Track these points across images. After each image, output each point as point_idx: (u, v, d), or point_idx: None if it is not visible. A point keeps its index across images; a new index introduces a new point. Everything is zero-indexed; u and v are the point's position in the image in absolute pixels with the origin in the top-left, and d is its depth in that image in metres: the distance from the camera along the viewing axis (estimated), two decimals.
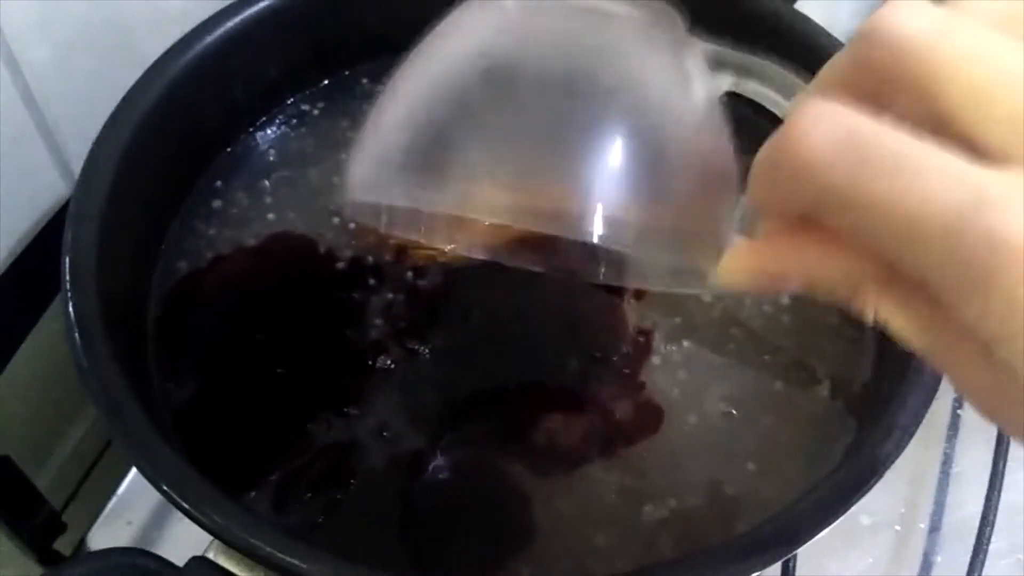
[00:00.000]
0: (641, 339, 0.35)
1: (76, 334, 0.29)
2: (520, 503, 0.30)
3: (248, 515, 0.25)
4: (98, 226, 0.32)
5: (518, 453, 0.32)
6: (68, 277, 0.30)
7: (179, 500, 0.25)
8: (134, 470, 0.43)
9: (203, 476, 0.26)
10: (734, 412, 0.33)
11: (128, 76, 0.36)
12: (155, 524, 0.42)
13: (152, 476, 0.26)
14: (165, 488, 0.26)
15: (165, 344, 0.34)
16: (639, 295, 0.36)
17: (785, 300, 0.36)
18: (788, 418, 0.33)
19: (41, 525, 0.40)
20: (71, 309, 0.29)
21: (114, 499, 0.42)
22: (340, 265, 0.37)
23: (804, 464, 0.32)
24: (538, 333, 0.35)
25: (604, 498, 0.31)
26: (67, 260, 0.30)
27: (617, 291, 0.36)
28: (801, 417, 0.33)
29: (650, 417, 0.32)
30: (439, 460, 0.31)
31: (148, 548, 0.28)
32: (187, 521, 0.37)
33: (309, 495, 0.31)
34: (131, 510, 0.42)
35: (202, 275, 0.37)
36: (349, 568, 0.24)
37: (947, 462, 0.46)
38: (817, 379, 0.34)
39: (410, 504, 0.30)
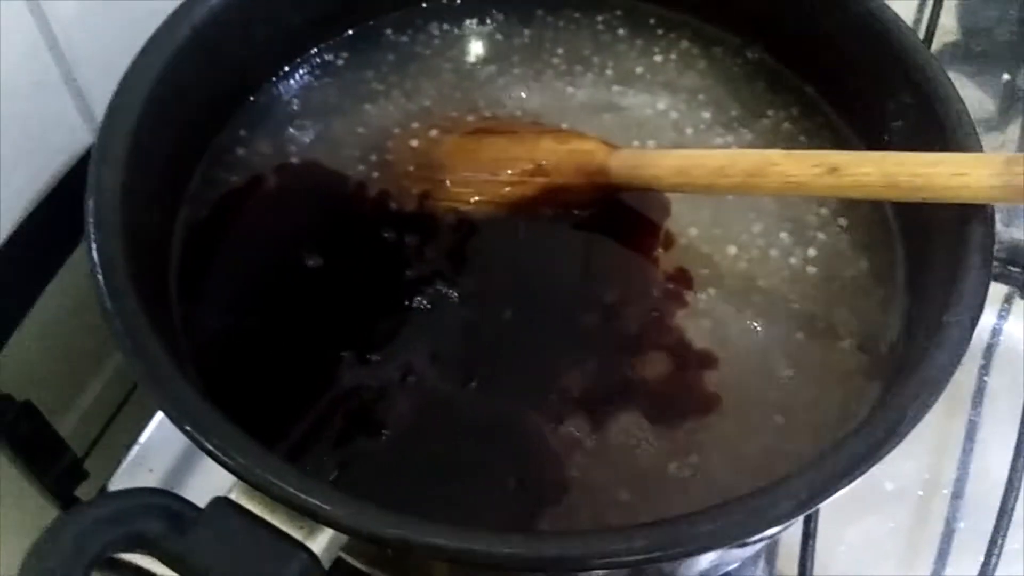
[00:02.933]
0: (671, 287, 0.34)
1: (100, 276, 0.28)
2: (550, 456, 0.30)
3: (271, 456, 0.25)
4: (122, 169, 0.31)
5: (546, 402, 0.31)
6: (92, 219, 0.30)
7: (202, 440, 0.25)
8: (156, 418, 0.43)
9: (227, 418, 0.26)
10: (760, 366, 0.33)
11: (151, 23, 0.35)
12: (177, 472, 0.42)
13: (176, 417, 0.26)
14: (188, 429, 0.26)
15: (189, 285, 0.34)
16: (667, 244, 0.36)
17: (812, 252, 0.36)
18: (814, 374, 0.33)
19: (63, 471, 0.40)
20: (95, 250, 0.29)
21: (136, 447, 0.42)
22: (367, 208, 0.37)
23: (831, 420, 0.31)
24: (565, 282, 0.35)
25: (630, 454, 0.30)
26: (91, 202, 0.30)
27: (646, 240, 0.36)
28: (827, 373, 0.33)
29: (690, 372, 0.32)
30: (467, 408, 0.31)
31: None
32: (209, 469, 0.37)
33: (334, 440, 0.30)
34: (153, 458, 0.42)
35: (227, 210, 0.37)
36: (373, 509, 0.24)
37: (972, 429, 0.46)
38: (842, 336, 0.34)
39: (437, 452, 0.30)
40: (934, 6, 0.60)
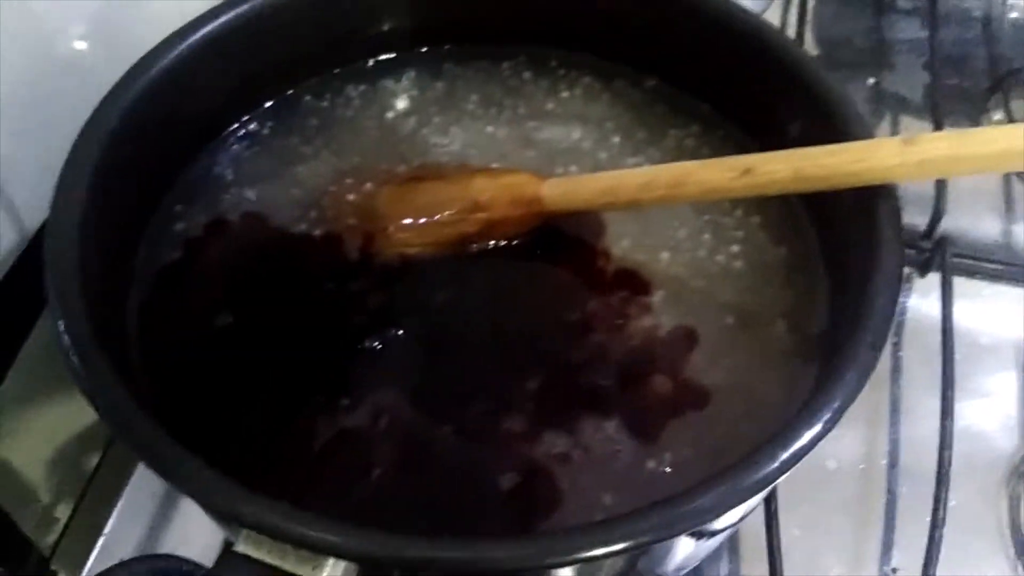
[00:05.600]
0: (624, 294, 0.37)
1: (74, 356, 0.29)
2: (537, 471, 0.31)
3: (275, 502, 0.26)
4: (74, 257, 0.32)
5: (523, 421, 0.33)
6: (56, 302, 0.30)
7: (213, 502, 0.26)
8: (119, 508, 0.43)
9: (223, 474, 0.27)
10: (710, 359, 0.35)
11: (67, 124, 0.36)
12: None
13: (180, 484, 0.26)
14: (196, 493, 0.26)
15: (151, 358, 0.35)
16: (607, 258, 0.38)
17: (735, 248, 0.39)
18: (757, 361, 0.35)
19: (31, 573, 0.40)
20: (65, 332, 0.29)
21: (102, 538, 0.42)
22: (313, 262, 0.38)
23: (780, 402, 0.34)
24: (521, 308, 0.37)
25: (608, 458, 0.32)
26: (53, 282, 0.31)
27: (588, 258, 0.38)
28: (768, 359, 0.35)
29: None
30: (447, 438, 0.32)
31: None
32: (175, 547, 0.38)
33: (323, 482, 0.31)
34: (119, 546, 0.42)
35: (174, 282, 0.38)
36: (388, 536, 0.25)
37: (896, 401, 0.49)
38: (775, 323, 0.36)
39: (424, 483, 0.31)
40: (799, 23, 0.65)
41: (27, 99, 0.39)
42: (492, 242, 0.38)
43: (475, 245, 0.38)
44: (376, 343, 0.35)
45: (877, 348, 0.30)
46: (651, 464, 0.32)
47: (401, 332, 0.35)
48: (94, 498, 0.44)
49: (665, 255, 0.38)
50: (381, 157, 0.42)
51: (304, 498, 0.31)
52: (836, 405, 0.28)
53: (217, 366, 0.35)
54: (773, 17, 0.67)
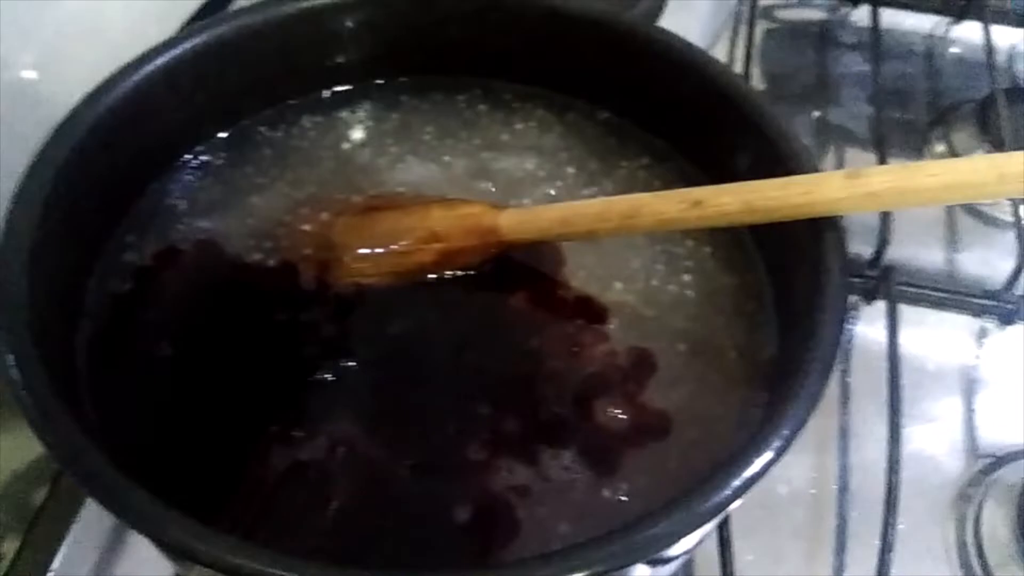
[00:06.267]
0: (580, 322, 0.37)
1: (23, 391, 0.29)
2: (493, 501, 0.32)
3: (231, 538, 0.26)
4: (18, 300, 0.31)
5: (480, 452, 0.33)
6: (5, 338, 0.30)
7: (165, 538, 0.26)
8: (67, 543, 0.42)
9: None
10: (664, 386, 0.36)
11: (16, 152, 0.36)
12: None
13: (131, 520, 0.26)
14: (149, 530, 0.26)
15: (101, 392, 0.34)
16: (564, 288, 0.39)
17: (687, 278, 0.39)
18: (709, 388, 0.36)
19: None
20: (14, 366, 0.29)
21: (51, 574, 0.41)
22: (267, 292, 0.38)
23: (731, 429, 0.34)
24: (478, 338, 0.37)
25: (566, 487, 0.32)
26: (1, 316, 0.30)
27: (545, 287, 0.39)
28: (719, 386, 0.36)
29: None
30: (404, 469, 0.32)
31: None
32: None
33: (277, 520, 0.31)
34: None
35: (125, 313, 0.37)
36: (341, 571, 0.25)
37: (845, 427, 0.50)
38: (726, 351, 0.37)
39: (382, 515, 0.31)
40: (746, 57, 0.67)
41: None
42: (449, 272, 0.39)
43: (432, 275, 0.39)
44: (331, 374, 0.35)
45: (824, 376, 0.31)
46: (607, 493, 0.32)
47: (356, 363, 0.35)
48: (42, 534, 0.43)
49: (619, 284, 0.39)
50: (337, 187, 0.42)
51: (258, 532, 0.31)
52: (786, 433, 0.29)
53: (168, 398, 0.35)
54: (721, 51, 0.68)
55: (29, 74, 0.42)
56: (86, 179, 0.36)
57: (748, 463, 0.28)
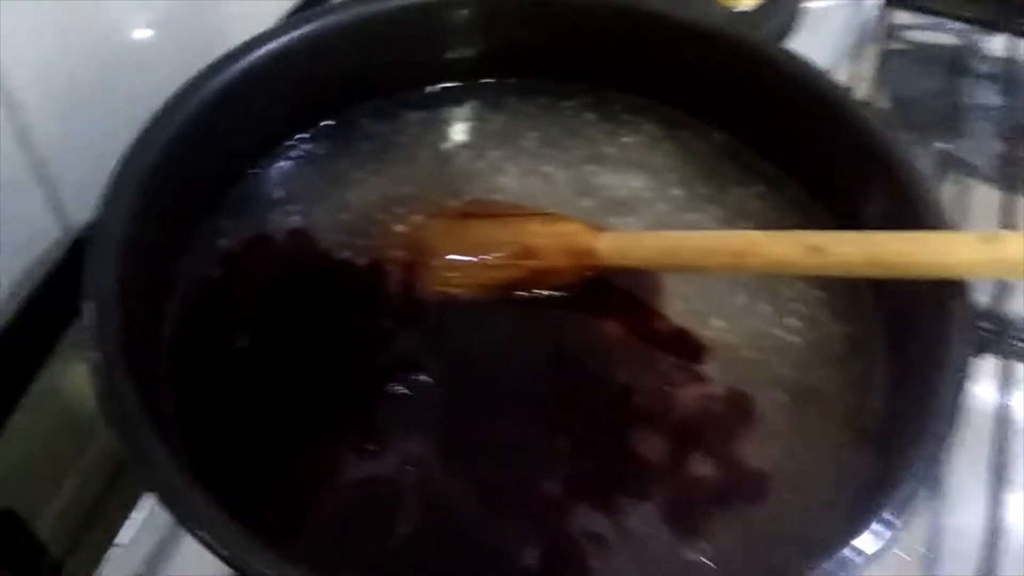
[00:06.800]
0: (672, 359, 0.35)
1: (102, 382, 0.28)
2: (565, 547, 0.30)
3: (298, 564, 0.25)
4: (116, 273, 0.31)
5: (552, 487, 0.31)
6: (92, 326, 0.29)
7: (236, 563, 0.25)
8: (133, 516, 0.42)
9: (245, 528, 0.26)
10: (757, 439, 0.33)
11: (123, 119, 0.35)
12: (158, 568, 0.41)
13: (201, 535, 0.25)
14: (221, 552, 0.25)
15: (182, 381, 0.34)
16: (659, 320, 0.37)
17: (793, 322, 0.37)
18: (806, 444, 0.33)
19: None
20: (98, 355, 0.29)
21: (114, 548, 0.41)
22: (354, 293, 0.37)
23: (828, 492, 0.32)
24: (564, 365, 0.35)
25: (645, 541, 0.30)
26: (91, 308, 0.30)
27: (639, 318, 0.37)
28: (818, 443, 0.34)
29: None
30: (475, 500, 0.31)
31: None
32: (187, 566, 0.36)
33: (347, 540, 0.30)
34: (131, 558, 0.41)
35: (211, 301, 0.37)
36: None
37: (940, 487, 0.47)
38: (830, 405, 0.35)
39: (449, 545, 0.30)
40: (873, 79, 0.63)
41: (86, 91, 0.38)
42: (538, 291, 0.37)
43: (520, 292, 0.37)
44: (406, 387, 0.34)
45: (939, 451, 0.28)
46: (690, 554, 0.30)
47: (433, 378, 0.34)
48: (111, 502, 0.44)
49: (719, 321, 0.37)
50: (433, 188, 0.41)
51: (323, 549, 0.30)
52: (897, 525, 0.26)
53: (242, 391, 0.34)
54: (846, 69, 0.65)
55: (143, 34, 0.41)
56: (186, 162, 0.36)
57: (852, 563, 0.26)
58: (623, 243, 0.37)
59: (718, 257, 0.34)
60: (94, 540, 0.42)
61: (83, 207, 0.37)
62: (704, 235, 0.36)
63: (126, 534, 0.41)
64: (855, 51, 0.67)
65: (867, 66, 0.65)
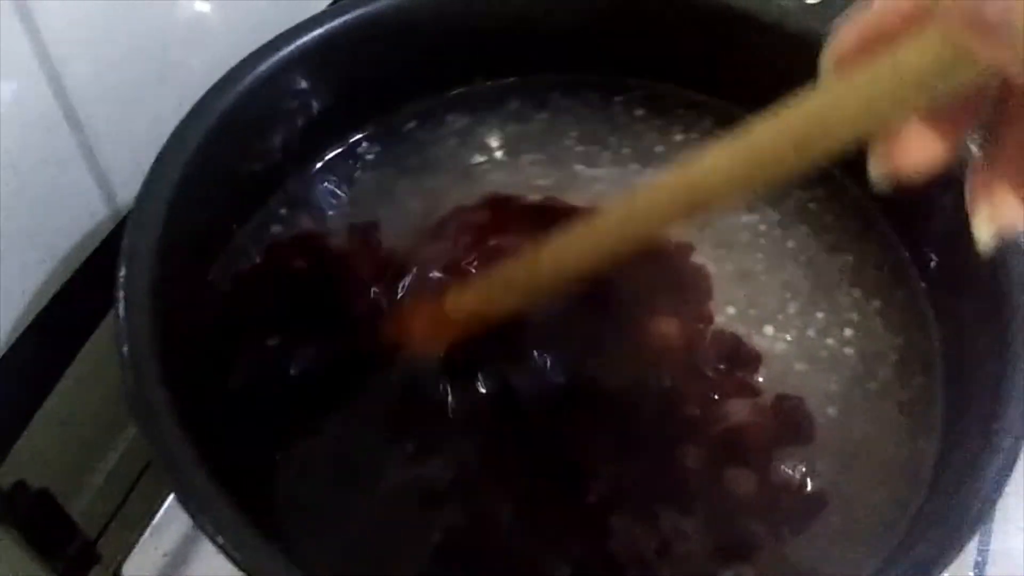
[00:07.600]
0: (722, 367, 0.34)
1: (132, 378, 0.28)
2: (602, 560, 0.29)
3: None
4: (150, 263, 0.31)
5: (591, 498, 0.31)
6: (125, 323, 0.29)
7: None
8: (168, 500, 0.42)
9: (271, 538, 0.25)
10: (807, 458, 0.32)
11: (169, 101, 0.35)
12: (190, 554, 0.41)
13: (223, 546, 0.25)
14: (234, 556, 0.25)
15: (219, 379, 0.33)
16: (707, 325, 0.35)
17: (848, 333, 0.36)
18: (859, 467, 0.32)
19: (75, 555, 0.39)
20: (127, 347, 0.28)
21: (148, 530, 0.41)
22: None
23: (881, 519, 0.31)
24: (612, 370, 0.34)
25: (684, 559, 0.29)
26: (121, 304, 0.29)
27: (689, 323, 0.35)
28: (872, 467, 0.32)
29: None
30: (520, 511, 0.30)
31: None
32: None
33: (385, 539, 0.29)
34: (165, 540, 0.41)
35: (253, 296, 0.36)
36: None
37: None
38: (883, 425, 0.33)
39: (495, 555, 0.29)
40: None
41: (137, 70, 0.37)
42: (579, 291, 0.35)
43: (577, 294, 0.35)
44: (449, 390, 0.33)
45: (1002, 480, 0.27)
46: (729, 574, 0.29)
47: (475, 382, 0.33)
48: (147, 485, 0.43)
49: (770, 329, 0.35)
50: (468, 194, 0.39)
51: (359, 550, 0.29)
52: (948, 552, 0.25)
53: (281, 385, 0.34)
54: None
55: (203, 6, 0.40)
56: (221, 160, 0.35)
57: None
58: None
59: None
60: (127, 523, 0.42)
61: (131, 188, 0.37)
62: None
63: (159, 517, 0.41)
64: None
65: None
